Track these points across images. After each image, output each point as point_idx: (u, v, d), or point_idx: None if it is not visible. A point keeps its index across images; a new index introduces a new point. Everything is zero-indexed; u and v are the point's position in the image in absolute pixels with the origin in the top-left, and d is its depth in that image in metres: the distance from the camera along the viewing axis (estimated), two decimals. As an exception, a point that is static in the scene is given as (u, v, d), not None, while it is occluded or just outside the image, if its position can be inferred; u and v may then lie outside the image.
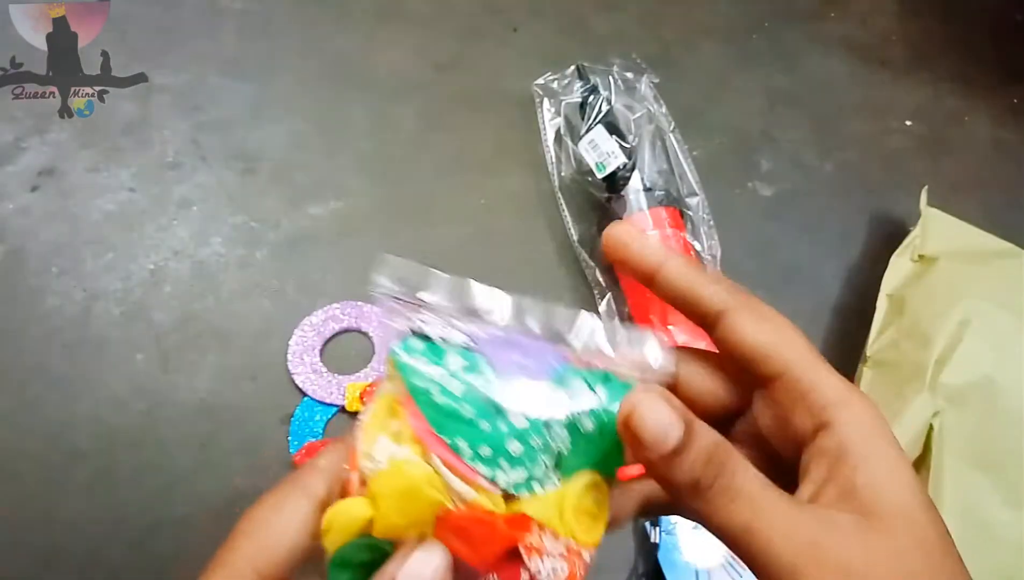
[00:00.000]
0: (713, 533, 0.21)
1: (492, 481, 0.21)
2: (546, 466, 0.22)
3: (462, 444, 0.21)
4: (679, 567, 0.48)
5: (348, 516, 0.22)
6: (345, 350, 0.55)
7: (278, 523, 0.22)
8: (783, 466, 0.23)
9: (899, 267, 0.56)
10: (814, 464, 0.21)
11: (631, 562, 0.50)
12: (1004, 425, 0.48)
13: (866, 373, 0.53)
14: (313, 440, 0.51)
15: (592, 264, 0.58)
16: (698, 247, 0.58)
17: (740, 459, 0.21)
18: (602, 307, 0.57)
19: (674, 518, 0.49)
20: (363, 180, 0.64)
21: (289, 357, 0.54)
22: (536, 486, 0.22)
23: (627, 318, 0.57)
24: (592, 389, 0.22)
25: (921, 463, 0.48)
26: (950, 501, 0.46)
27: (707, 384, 0.25)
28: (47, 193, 0.60)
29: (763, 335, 0.23)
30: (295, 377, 0.53)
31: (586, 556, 0.22)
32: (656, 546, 0.48)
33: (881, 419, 0.21)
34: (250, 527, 0.22)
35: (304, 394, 0.53)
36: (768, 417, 0.23)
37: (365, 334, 0.56)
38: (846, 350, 0.57)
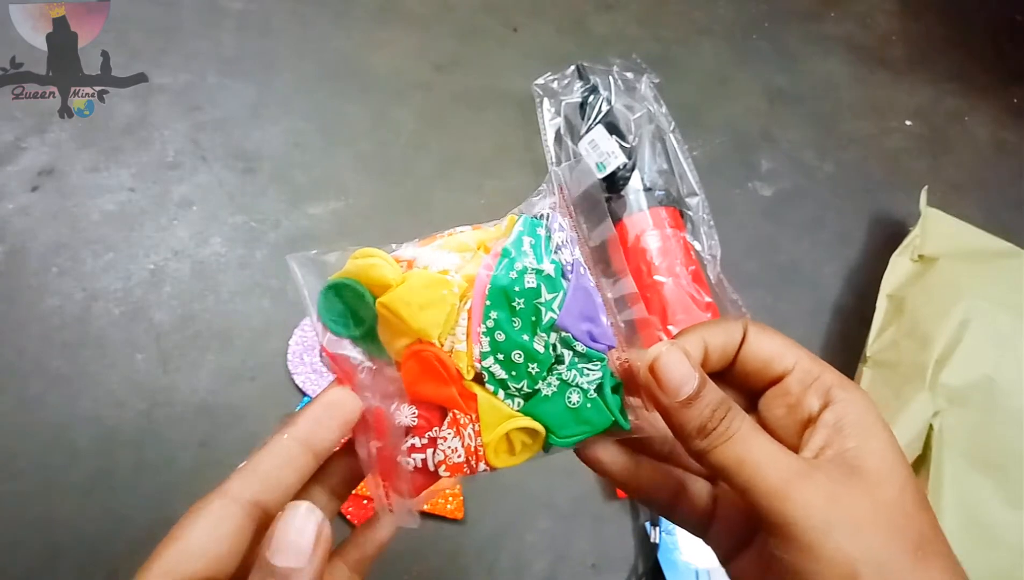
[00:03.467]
0: (712, 470, 0.24)
1: (481, 359, 0.24)
2: (522, 391, 0.24)
3: (492, 315, 0.23)
4: (679, 567, 0.48)
5: (378, 269, 0.23)
6: (345, 350, 0.55)
7: (200, 530, 0.22)
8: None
9: (899, 267, 0.56)
10: (815, 435, 0.24)
11: (631, 562, 0.50)
12: (1004, 425, 0.48)
13: (866, 373, 0.53)
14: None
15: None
16: (698, 247, 0.58)
17: (739, 410, 0.24)
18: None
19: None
20: (363, 180, 0.64)
21: (289, 357, 0.54)
22: (501, 393, 0.24)
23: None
24: (602, 383, 0.25)
25: (921, 463, 0.48)
26: (950, 501, 0.46)
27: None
28: (47, 193, 0.60)
29: (776, 342, 0.26)
30: (295, 377, 0.53)
31: (479, 466, 0.24)
32: (656, 546, 0.48)
33: (873, 403, 0.25)
34: (172, 535, 0.22)
35: (304, 394, 0.53)
36: (778, 407, 0.26)
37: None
38: (846, 350, 0.57)
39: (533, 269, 0.24)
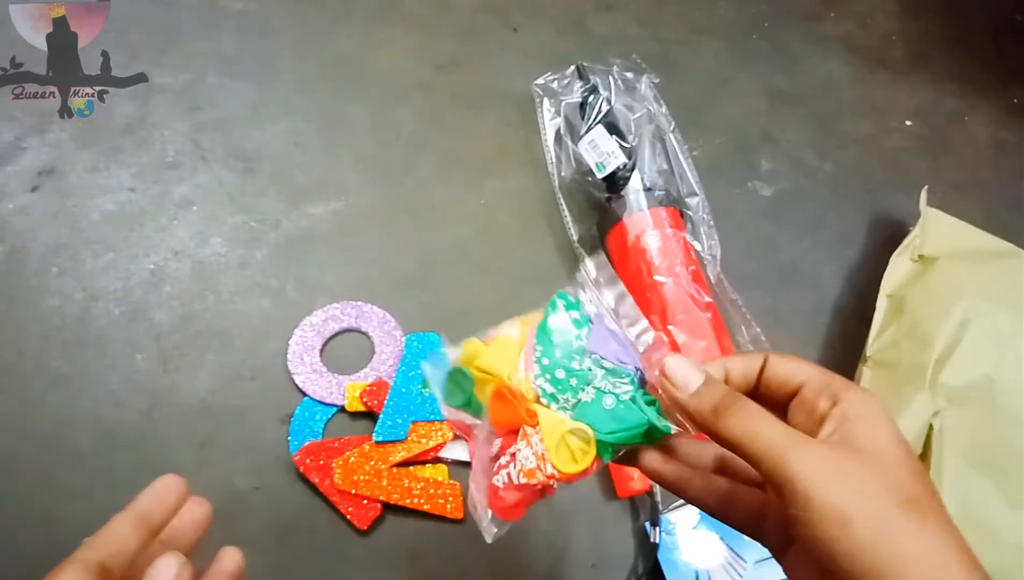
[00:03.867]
0: (726, 444, 0.27)
1: (535, 379, 0.31)
2: (570, 403, 0.31)
3: (539, 348, 0.31)
4: (679, 567, 0.48)
5: (468, 349, 0.32)
6: (345, 350, 0.55)
7: None
8: None
9: (899, 267, 0.56)
10: (825, 426, 0.27)
11: (631, 562, 0.50)
12: (1004, 425, 0.48)
13: (866, 373, 0.53)
14: (313, 440, 0.51)
15: (592, 264, 0.58)
16: (698, 247, 0.58)
17: (745, 397, 0.28)
18: (602, 307, 0.57)
19: (674, 518, 0.49)
20: (363, 180, 0.64)
21: (289, 357, 0.54)
22: (554, 405, 0.31)
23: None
24: (635, 396, 0.31)
25: (921, 463, 0.48)
26: (950, 501, 0.46)
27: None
28: (47, 193, 0.60)
29: (793, 363, 0.30)
30: (295, 377, 0.53)
31: (548, 468, 0.31)
32: (656, 546, 0.48)
33: (879, 401, 0.28)
34: None
35: (304, 394, 0.53)
36: (799, 414, 0.29)
37: (365, 334, 0.56)
38: (846, 350, 0.57)
39: (564, 320, 0.32)
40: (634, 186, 0.57)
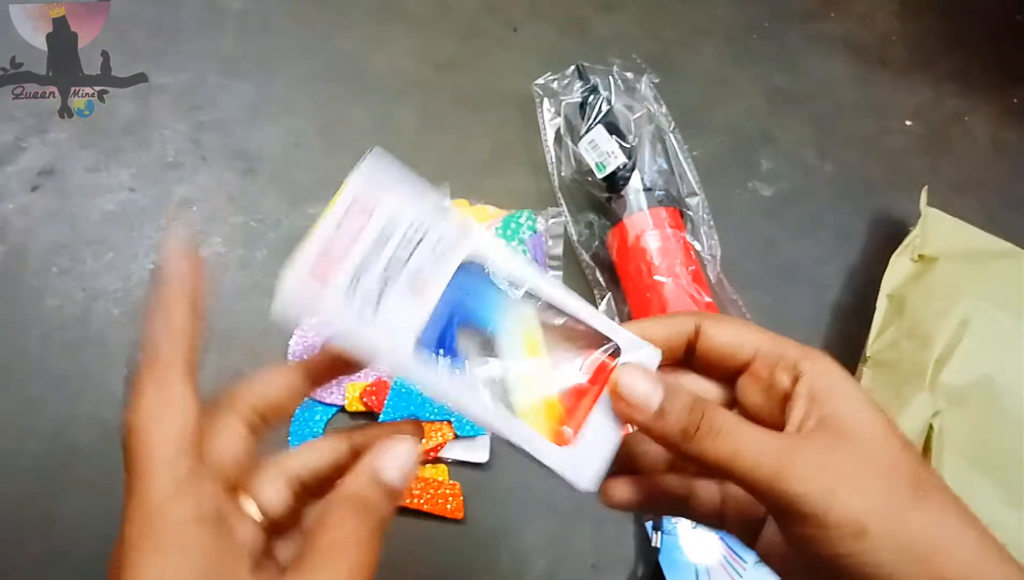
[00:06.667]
0: (707, 469, 0.25)
1: None
2: None
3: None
4: (679, 566, 0.48)
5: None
6: (345, 350, 0.55)
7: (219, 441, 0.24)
8: None
9: (899, 267, 0.56)
10: (794, 409, 0.25)
11: (631, 562, 0.50)
12: (1004, 425, 0.48)
13: (866, 373, 0.53)
14: (313, 440, 0.51)
15: (592, 264, 0.58)
16: (698, 247, 0.58)
17: (716, 406, 0.25)
18: (602, 307, 0.57)
19: (674, 518, 0.49)
20: (363, 180, 0.63)
21: (289, 357, 0.54)
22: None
23: (627, 318, 0.57)
24: None
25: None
26: (950, 501, 0.46)
27: (698, 386, 0.29)
28: (47, 193, 0.60)
29: (733, 329, 0.27)
30: (295, 377, 0.53)
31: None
32: (657, 550, 0.48)
33: (838, 366, 0.26)
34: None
35: (304, 394, 0.53)
36: (754, 393, 0.27)
37: (365, 334, 0.56)
38: (846, 350, 0.57)
39: None
40: (634, 186, 0.57)
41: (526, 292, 0.28)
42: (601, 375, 0.27)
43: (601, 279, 0.58)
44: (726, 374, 0.28)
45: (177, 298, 0.24)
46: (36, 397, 0.52)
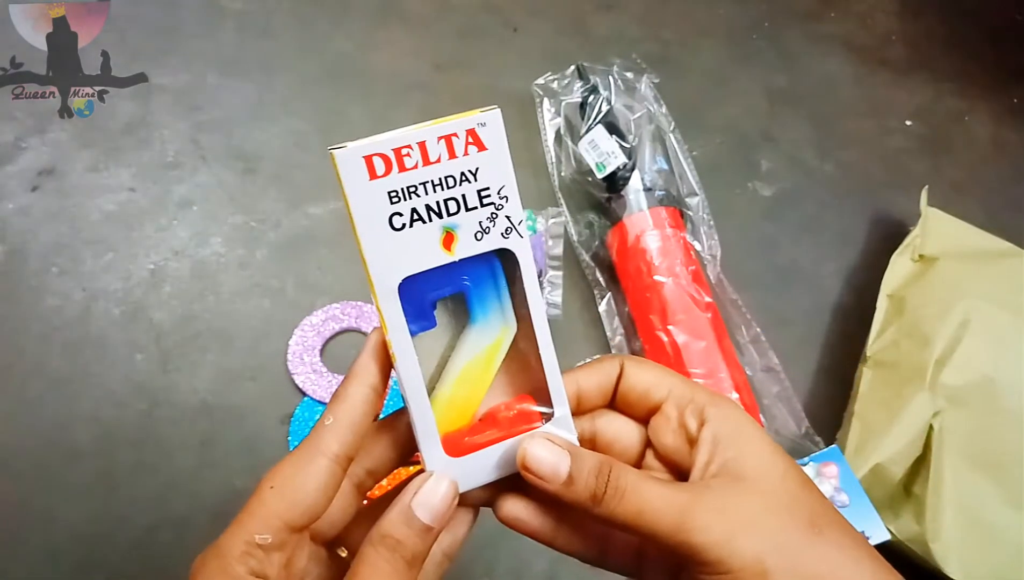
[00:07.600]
0: (619, 529, 0.26)
1: None
2: None
3: None
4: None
5: None
6: (345, 350, 0.55)
7: (302, 481, 0.25)
8: (684, 476, 0.28)
9: (899, 267, 0.56)
10: (699, 453, 0.27)
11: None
12: (1004, 425, 0.48)
13: (866, 373, 0.53)
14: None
15: (592, 264, 0.58)
16: (698, 247, 0.58)
17: (622, 465, 0.26)
18: (602, 307, 0.57)
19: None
20: (363, 180, 0.64)
21: (289, 357, 0.54)
22: None
23: (627, 318, 0.57)
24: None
25: (921, 463, 0.48)
26: (950, 501, 0.46)
27: (615, 425, 0.30)
28: (47, 193, 0.60)
29: (651, 373, 0.29)
30: (295, 377, 0.53)
31: None
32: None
33: (743, 412, 0.27)
34: (278, 483, 0.25)
35: (304, 394, 0.53)
36: (666, 433, 0.28)
37: (365, 334, 0.56)
38: (846, 350, 0.57)
39: None
40: (634, 186, 0.57)
41: (520, 313, 0.28)
42: (522, 422, 0.28)
43: (601, 279, 0.58)
44: (644, 414, 0.29)
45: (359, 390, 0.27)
46: (35, 397, 0.52)
